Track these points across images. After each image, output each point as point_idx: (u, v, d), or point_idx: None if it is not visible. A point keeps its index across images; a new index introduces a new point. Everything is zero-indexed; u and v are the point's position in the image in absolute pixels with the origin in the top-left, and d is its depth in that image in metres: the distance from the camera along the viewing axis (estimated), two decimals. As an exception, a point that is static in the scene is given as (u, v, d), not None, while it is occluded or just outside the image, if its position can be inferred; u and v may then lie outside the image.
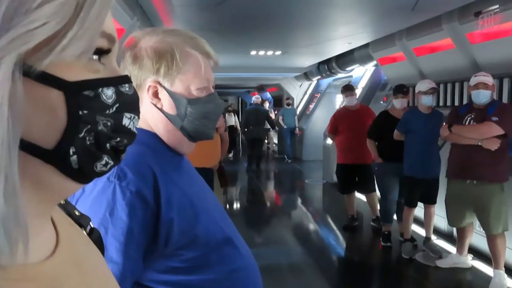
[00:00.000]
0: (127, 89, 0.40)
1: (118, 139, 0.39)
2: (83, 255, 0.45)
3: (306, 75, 10.62)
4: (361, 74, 8.11)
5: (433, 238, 4.16)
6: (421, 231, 4.40)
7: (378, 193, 4.69)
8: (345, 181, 4.98)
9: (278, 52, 7.19)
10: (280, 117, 10.98)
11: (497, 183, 3.28)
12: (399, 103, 4.24)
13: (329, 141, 6.65)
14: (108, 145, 0.38)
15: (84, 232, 0.49)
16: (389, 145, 4.21)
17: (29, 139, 0.33)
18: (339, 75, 9.07)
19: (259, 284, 0.97)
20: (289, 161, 10.48)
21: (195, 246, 0.86)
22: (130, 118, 0.39)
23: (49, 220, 0.42)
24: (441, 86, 5.16)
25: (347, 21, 4.86)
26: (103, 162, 0.38)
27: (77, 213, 0.50)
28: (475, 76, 3.43)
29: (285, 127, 10.73)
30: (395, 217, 4.42)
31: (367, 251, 4.61)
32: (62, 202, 0.48)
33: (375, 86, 7.50)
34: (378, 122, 4.42)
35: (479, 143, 3.26)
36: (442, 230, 4.45)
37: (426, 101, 3.88)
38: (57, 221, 0.43)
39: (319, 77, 10.07)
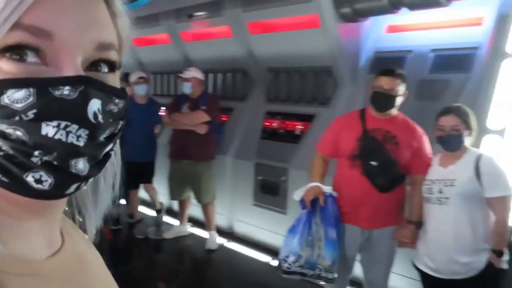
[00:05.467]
0: (65, 92, 0.34)
1: (38, 151, 0.33)
2: (86, 257, 0.46)
3: None
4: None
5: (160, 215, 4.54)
6: (147, 210, 4.74)
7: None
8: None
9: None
10: None
11: (205, 162, 3.95)
12: None
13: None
14: (31, 158, 0.34)
15: (86, 236, 0.50)
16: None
17: None
18: None
19: None
20: None
21: None
22: (57, 127, 0.33)
23: (49, 223, 0.42)
24: (159, 76, 5.64)
25: None
26: (37, 176, 0.34)
27: (80, 218, 0.50)
28: (187, 70, 4.01)
29: None
30: (122, 201, 4.56)
31: (98, 237, 4.53)
32: (66, 208, 0.47)
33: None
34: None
35: (193, 128, 3.83)
36: (166, 206, 4.84)
37: (138, 90, 4.21)
38: (61, 225, 0.45)
39: None
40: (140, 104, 4.20)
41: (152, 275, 3.55)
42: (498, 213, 2.08)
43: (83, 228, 0.50)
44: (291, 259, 2.29)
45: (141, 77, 4.24)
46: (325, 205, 2.29)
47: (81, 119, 0.34)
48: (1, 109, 0.32)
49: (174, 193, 4.13)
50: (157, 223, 4.44)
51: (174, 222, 4.49)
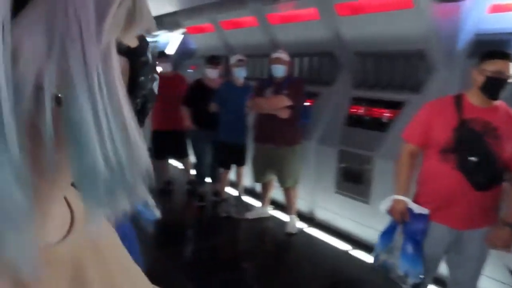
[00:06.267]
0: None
1: (151, 102, 0.39)
2: (99, 235, 0.41)
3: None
4: (167, 40, 8.14)
5: (243, 195, 4.73)
6: (231, 190, 4.94)
7: (192, 158, 5.00)
8: (159, 147, 5.08)
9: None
10: None
11: (289, 147, 3.93)
12: (210, 73, 4.55)
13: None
14: (147, 109, 0.38)
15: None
16: (202, 113, 4.51)
17: None
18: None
19: None
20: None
21: None
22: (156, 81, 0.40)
23: (62, 198, 0.39)
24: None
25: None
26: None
27: None
28: (278, 52, 3.99)
29: None
30: (208, 179, 4.81)
31: (184, 212, 4.87)
32: None
33: (184, 53, 7.68)
34: (192, 90, 4.64)
35: (274, 113, 3.81)
36: (249, 187, 5.01)
37: (237, 73, 4.30)
38: (71, 200, 0.40)
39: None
40: (237, 87, 4.31)
41: (233, 252, 3.72)
42: None
43: None
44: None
45: (240, 60, 4.33)
46: (409, 221, 2.29)
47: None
48: (149, 69, 0.37)
49: (258, 176, 4.22)
50: (240, 203, 4.61)
51: (256, 203, 4.63)
